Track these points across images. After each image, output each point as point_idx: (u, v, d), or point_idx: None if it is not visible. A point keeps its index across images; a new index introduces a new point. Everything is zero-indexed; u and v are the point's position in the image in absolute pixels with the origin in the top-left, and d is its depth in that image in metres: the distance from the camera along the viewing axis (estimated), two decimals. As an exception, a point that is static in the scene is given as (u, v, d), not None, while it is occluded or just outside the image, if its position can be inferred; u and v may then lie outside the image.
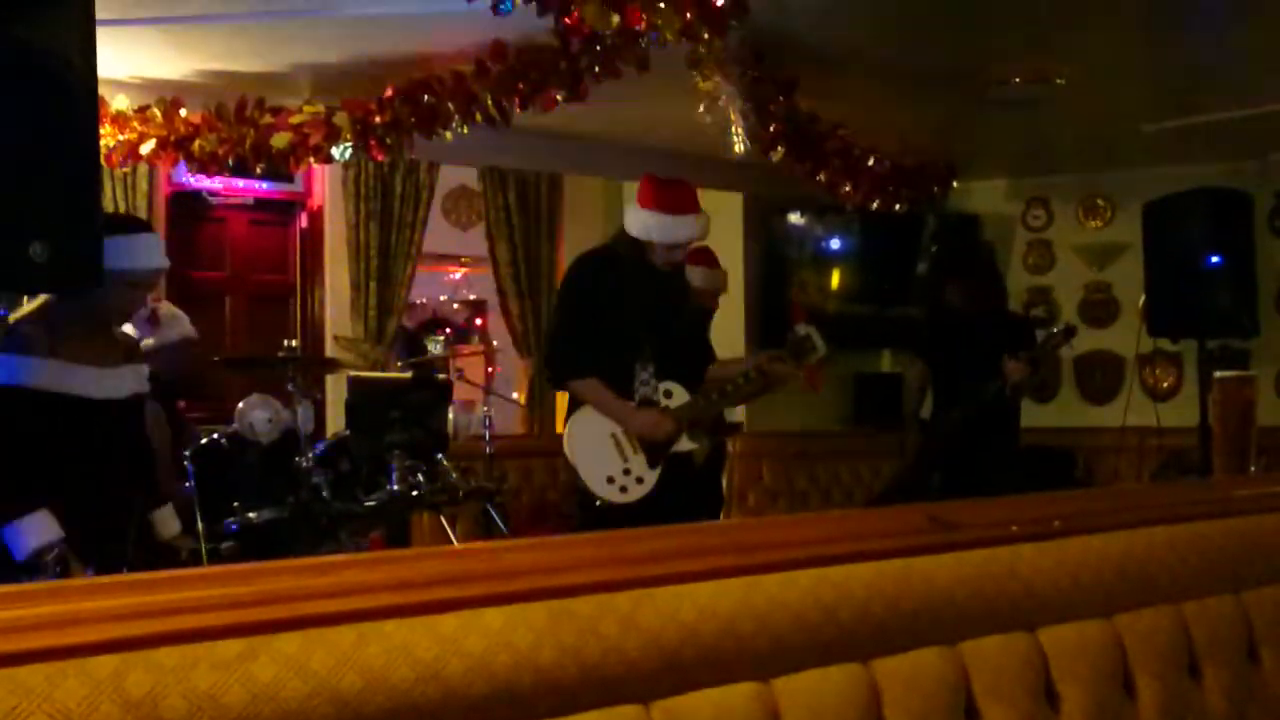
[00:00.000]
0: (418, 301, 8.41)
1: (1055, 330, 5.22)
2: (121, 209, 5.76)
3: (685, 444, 3.79)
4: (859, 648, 1.37)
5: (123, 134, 4.98)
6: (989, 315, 5.18)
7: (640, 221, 3.77)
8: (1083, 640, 1.57)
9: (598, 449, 3.70)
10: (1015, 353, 4.99)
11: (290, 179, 6.85)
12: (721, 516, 4.91)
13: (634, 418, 3.70)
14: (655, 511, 3.63)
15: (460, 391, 6.61)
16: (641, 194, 3.83)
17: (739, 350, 7.38)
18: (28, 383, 2.88)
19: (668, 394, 3.78)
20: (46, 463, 2.90)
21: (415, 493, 4.35)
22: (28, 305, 3.07)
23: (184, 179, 6.43)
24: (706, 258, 4.77)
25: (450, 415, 5.96)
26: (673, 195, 3.79)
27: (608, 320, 3.72)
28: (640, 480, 3.71)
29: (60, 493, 2.88)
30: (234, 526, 3.92)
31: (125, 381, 3.10)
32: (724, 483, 5.20)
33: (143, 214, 5.83)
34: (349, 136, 5.08)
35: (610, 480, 3.69)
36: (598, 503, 3.67)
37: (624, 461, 3.71)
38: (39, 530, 2.80)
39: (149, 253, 3.10)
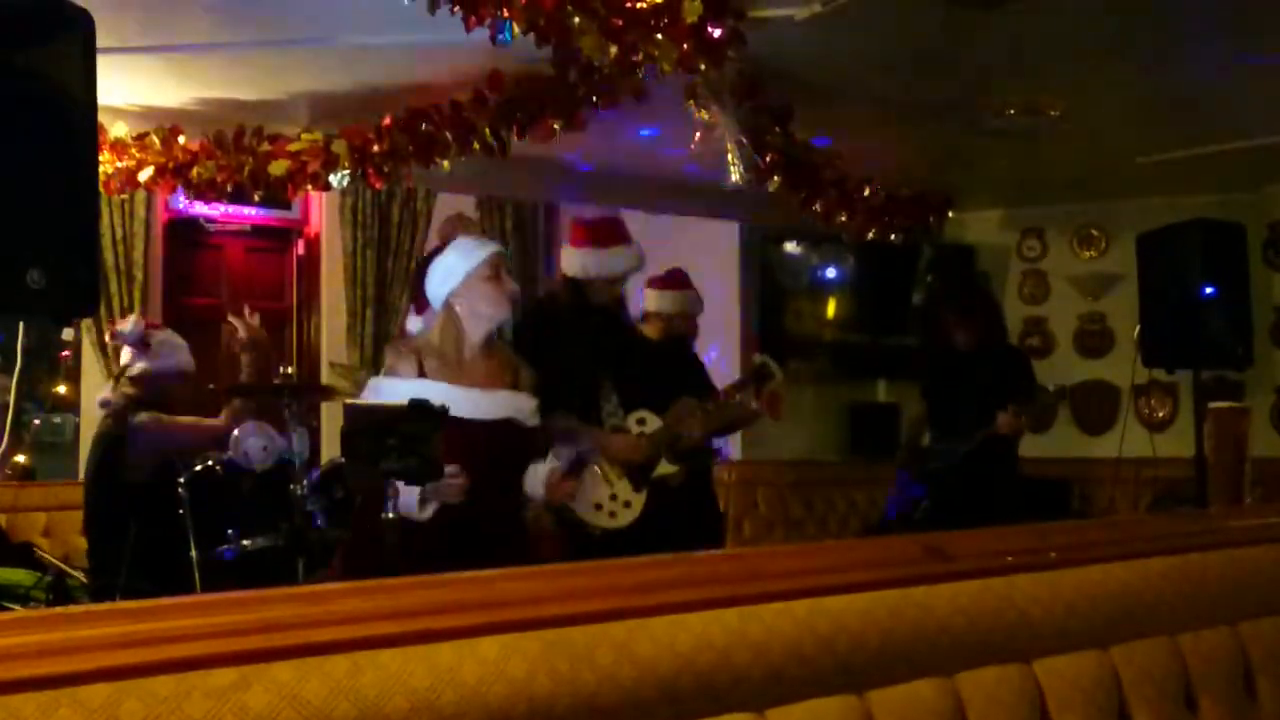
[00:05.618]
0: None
1: (1051, 390, 5.28)
2: (119, 235, 5.76)
3: (665, 468, 3.82)
4: (854, 678, 1.36)
5: (121, 161, 5.00)
6: (988, 351, 5.18)
7: (575, 261, 3.82)
8: (1078, 671, 1.56)
9: (583, 478, 3.72)
10: (1012, 388, 4.99)
11: (288, 206, 6.86)
12: (727, 535, 4.94)
13: (609, 441, 3.75)
14: (648, 536, 3.65)
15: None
16: (572, 235, 3.89)
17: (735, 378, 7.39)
18: None
19: (641, 422, 3.82)
20: None
21: (411, 521, 4.33)
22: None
23: (181, 206, 6.44)
24: (674, 280, 4.48)
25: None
26: (602, 230, 3.85)
27: (558, 362, 3.75)
28: (628, 504, 3.75)
29: None
30: (229, 554, 3.91)
31: None
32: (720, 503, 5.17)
33: (140, 241, 5.84)
34: (347, 164, 5.10)
35: (599, 506, 3.72)
36: (589, 530, 3.69)
37: (610, 487, 3.75)
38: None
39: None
